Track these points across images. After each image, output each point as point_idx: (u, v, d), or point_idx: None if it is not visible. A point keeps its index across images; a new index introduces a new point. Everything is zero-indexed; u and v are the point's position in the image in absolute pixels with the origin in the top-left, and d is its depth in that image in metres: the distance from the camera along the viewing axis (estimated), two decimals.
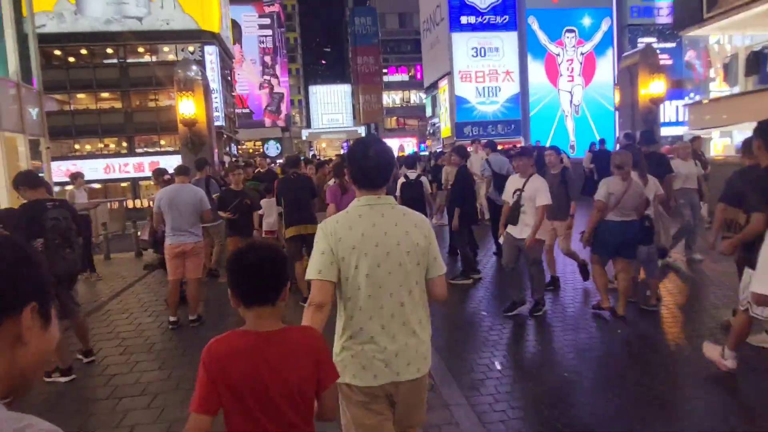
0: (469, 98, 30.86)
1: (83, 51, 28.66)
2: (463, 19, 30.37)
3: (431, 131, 38.66)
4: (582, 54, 31.56)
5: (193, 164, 7.66)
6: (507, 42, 30.76)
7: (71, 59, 28.99)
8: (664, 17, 31.93)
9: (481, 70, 30.68)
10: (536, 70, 31.24)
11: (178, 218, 5.60)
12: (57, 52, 28.83)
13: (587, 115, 31.73)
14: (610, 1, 31.60)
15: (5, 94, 9.93)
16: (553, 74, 31.46)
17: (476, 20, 30.43)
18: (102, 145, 30.34)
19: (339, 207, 5.87)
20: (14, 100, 10.12)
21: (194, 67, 8.49)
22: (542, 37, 31.11)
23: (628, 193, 5.27)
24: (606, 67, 31.79)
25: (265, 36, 47.20)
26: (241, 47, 45.85)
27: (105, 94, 29.52)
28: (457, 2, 30.17)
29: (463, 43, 30.46)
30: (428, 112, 39.75)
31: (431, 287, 2.22)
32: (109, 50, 28.78)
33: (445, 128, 33.32)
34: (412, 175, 7.71)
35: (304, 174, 7.34)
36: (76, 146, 30.24)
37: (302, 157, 15.11)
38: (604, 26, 31.56)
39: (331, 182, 6.98)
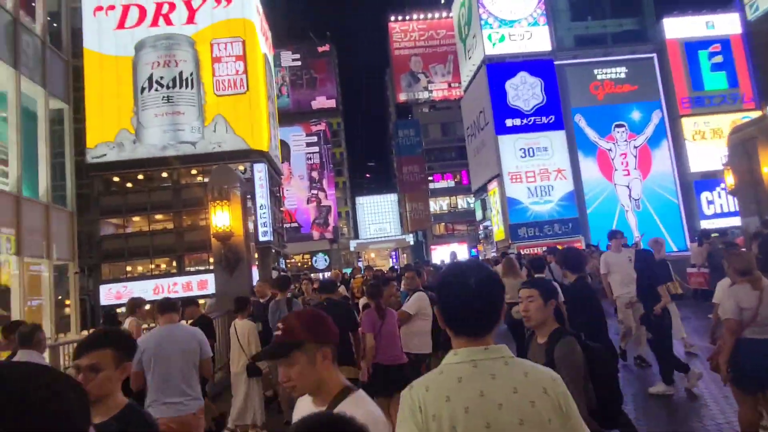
0: (521, 199, 29.81)
1: (140, 176, 29.77)
2: (509, 122, 30.24)
3: (483, 235, 37.37)
4: (635, 147, 30.53)
5: (275, 283, 6.41)
6: (555, 141, 30.19)
7: (129, 185, 30.10)
8: (716, 105, 30.94)
9: (531, 169, 29.91)
10: (589, 166, 30.28)
11: (164, 375, 3.92)
12: (116, 179, 30.06)
13: (649, 209, 29.95)
14: (657, 94, 31.05)
15: (32, 215, 9.37)
16: (607, 169, 30.34)
17: (521, 122, 30.25)
18: (153, 266, 30.42)
19: (378, 339, 5.00)
20: (41, 221, 9.54)
21: (231, 175, 7.66)
22: (591, 133, 30.47)
23: (765, 303, 4.07)
24: (663, 159, 30.52)
25: (312, 153, 48.84)
26: (290, 165, 47.39)
27: (158, 216, 30.13)
28: (500, 106, 30.26)
29: (510, 145, 30.06)
30: (478, 215, 38.80)
31: None
32: (164, 174, 29.79)
33: (499, 231, 32.00)
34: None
35: (340, 300, 6.07)
36: (128, 268, 30.41)
37: (344, 275, 13.88)
38: (655, 119, 30.77)
39: (362, 300, 5.95)
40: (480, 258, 31.07)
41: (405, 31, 51.43)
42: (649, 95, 30.99)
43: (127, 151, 29.16)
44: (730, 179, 13.68)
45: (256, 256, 30.59)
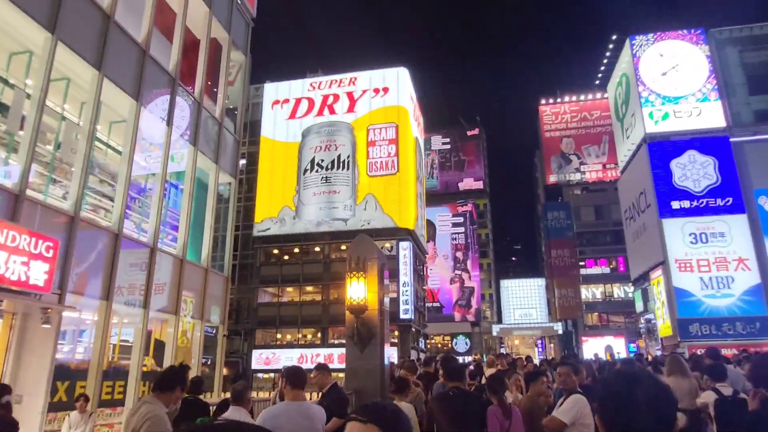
0: (692, 290, 26.20)
1: (296, 250, 32.12)
2: (675, 204, 27.42)
3: (644, 329, 33.30)
4: None
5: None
6: (735, 226, 26.51)
7: (285, 257, 32.58)
8: None
9: (704, 258, 26.38)
10: None
11: None
12: (275, 251, 32.75)
13: None
14: None
15: (194, 278, 10.29)
16: None
17: (691, 204, 27.23)
18: (300, 336, 31.86)
19: None
20: (200, 283, 10.42)
21: (370, 246, 7.63)
22: None
23: None
24: None
25: (458, 233, 48.87)
26: (435, 244, 47.80)
27: (309, 288, 31.89)
28: (665, 187, 27.71)
29: (677, 230, 27.03)
30: (638, 307, 34.82)
31: None
32: (317, 248, 31.78)
33: (664, 326, 28.23)
34: (726, 390, 5.23)
35: (473, 392, 5.15)
36: (279, 335, 32.24)
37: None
38: None
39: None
40: (643, 355, 27.34)
41: (556, 113, 50.80)
42: None
43: (287, 226, 31.83)
44: None
45: (397, 333, 30.61)
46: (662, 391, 1.42)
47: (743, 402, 5.13)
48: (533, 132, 54.81)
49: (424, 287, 38.57)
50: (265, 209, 32.47)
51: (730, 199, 27.00)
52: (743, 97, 30.39)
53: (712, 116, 28.83)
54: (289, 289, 32.79)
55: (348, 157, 32.16)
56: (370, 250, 7.78)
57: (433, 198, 46.06)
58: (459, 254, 48.46)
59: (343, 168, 32.05)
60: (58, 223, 7.29)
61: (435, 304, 46.29)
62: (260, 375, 30.72)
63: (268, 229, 32.14)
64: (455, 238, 48.88)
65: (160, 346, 9.42)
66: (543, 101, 51.34)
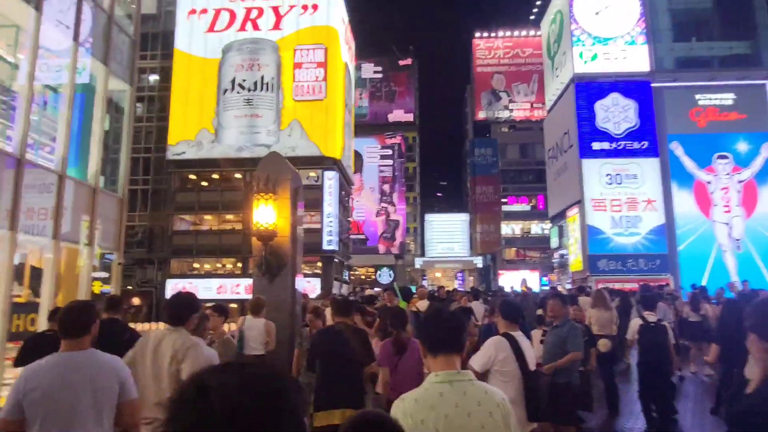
0: (603, 228, 27.53)
1: (215, 176, 30.27)
2: (596, 145, 28.18)
3: (558, 264, 35.07)
4: (740, 182, 27.45)
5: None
6: (647, 168, 27.77)
7: (204, 183, 30.70)
8: None
9: (617, 198, 27.62)
10: (683, 199, 27.52)
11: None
12: (192, 177, 30.76)
13: (752, 251, 26.71)
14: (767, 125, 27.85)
15: (79, 198, 8.91)
16: (704, 204, 27.45)
17: (610, 146, 28.10)
18: (219, 265, 30.72)
19: (394, 374, 4.40)
20: (86, 206, 9.06)
21: (282, 165, 6.68)
22: (689, 163, 27.75)
23: None
24: None
25: (385, 165, 48.35)
26: (362, 176, 47.11)
27: (229, 216, 30.45)
28: (587, 128, 28.30)
29: (595, 170, 27.95)
30: (553, 243, 36.52)
31: None
32: (237, 175, 30.11)
33: (575, 261, 29.76)
34: (652, 317, 6.41)
35: (355, 325, 4.98)
36: (196, 265, 30.91)
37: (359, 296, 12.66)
38: (765, 152, 27.54)
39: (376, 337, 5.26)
40: (553, 288, 28.87)
41: (489, 48, 50.16)
42: (760, 125, 27.84)
43: (205, 150, 29.79)
44: None
45: (320, 265, 30.22)
46: (457, 315, 2.40)
47: (663, 327, 6.42)
48: (466, 66, 54.12)
49: (349, 219, 38.15)
50: (180, 131, 30.07)
51: (646, 142, 28.09)
52: (667, 44, 31.06)
53: (637, 60, 29.35)
54: (208, 217, 31.19)
55: (272, 78, 30.07)
56: (282, 169, 6.85)
57: (361, 128, 44.81)
58: (386, 187, 48.20)
59: (267, 90, 30.03)
60: None
61: (360, 236, 46.25)
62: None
63: (184, 152, 29.94)
64: (383, 171, 48.39)
65: (37, 274, 8.19)
66: (477, 34, 50.41)
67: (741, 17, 30.54)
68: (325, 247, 29.48)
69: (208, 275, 29.91)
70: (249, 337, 6.31)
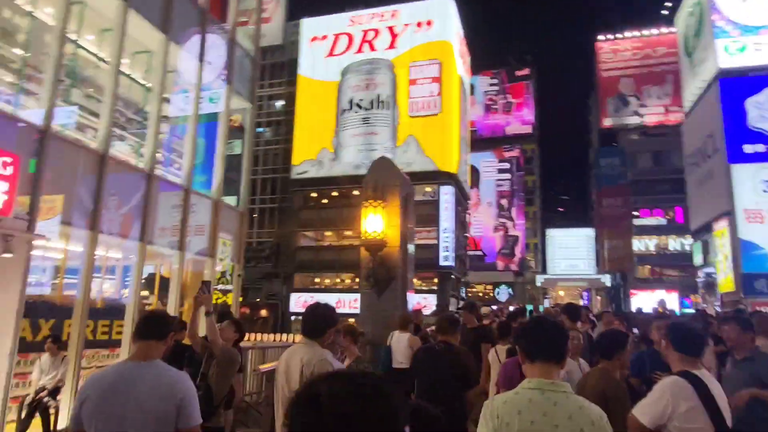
0: (760, 243, 23.98)
1: (334, 193, 31.28)
2: (747, 148, 24.78)
3: (703, 284, 31.20)
4: None
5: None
6: None
7: (324, 200, 31.89)
8: None
9: None
10: None
11: None
12: (313, 194, 32.11)
13: None
14: None
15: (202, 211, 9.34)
16: None
17: (766, 148, 24.52)
18: (338, 280, 31.55)
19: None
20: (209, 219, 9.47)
21: (391, 170, 6.37)
22: None
23: None
24: None
25: (503, 180, 46.91)
26: (479, 191, 46.14)
27: (348, 232, 31.23)
28: (737, 129, 25.01)
29: (748, 176, 24.54)
30: (697, 260, 32.57)
31: None
32: (355, 192, 30.84)
33: (725, 280, 26.18)
34: None
35: (456, 345, 4.58)
36: (317, 280, 32.04)
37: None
38: None
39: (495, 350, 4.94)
40: (697, 310, 25.60)
41: (615, 50, 46.84)
42: None
43: (326, 169, 30.97)
44: None
45: (436, 281, 29.77)
46: (558, 325, 2.37)
47: None
48: (588, 72, 51.15)
49: (465, 234, 37.36)
50: (303, 151, 31.63)
51: None
52: None
53: None
54: (328, 233, 32.30)
55: (388, 96, 30.59)
56: (391, 176, 6.55)
57: (478, 143, 43.95)
58: (504, 201, 46.65)
59: (383, 108, 30.58)
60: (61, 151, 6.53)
61: (477, 253, 45.09)
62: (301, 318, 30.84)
63: (306, 171, 31.41)
64: (500, 185, 46.94)
65: (165, 284, 8.77)
66: (601, 37, 47.33)
67: None
68: (442, 263, 29.02)
69: (328, 290, 30.82)
70: (396, 350, 6.25)
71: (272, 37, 35.33)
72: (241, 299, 28.75)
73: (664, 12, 41.11)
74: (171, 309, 8.39)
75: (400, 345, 6.31)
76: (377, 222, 6.30)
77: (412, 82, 30.26)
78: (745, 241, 24.21)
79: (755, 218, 24.24)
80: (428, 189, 29.92)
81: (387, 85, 30.61)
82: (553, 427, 1.91)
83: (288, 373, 3.29)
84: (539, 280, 49.02)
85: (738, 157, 24.90)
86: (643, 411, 2.86)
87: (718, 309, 24.15)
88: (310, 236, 32.74)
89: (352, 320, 6.45)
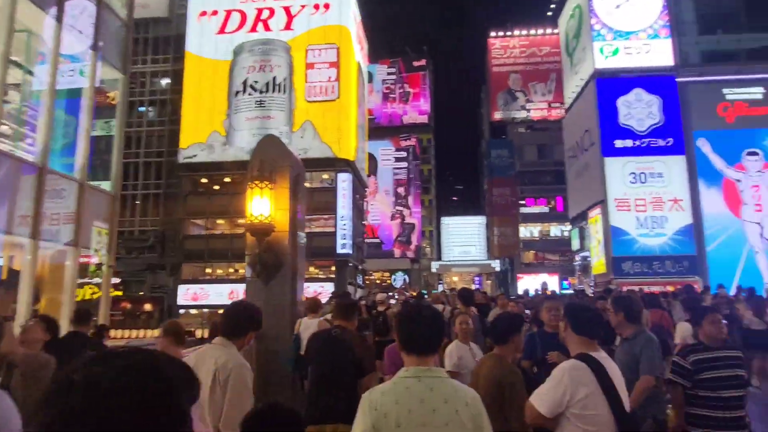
0: (628, 230, 26.40)
1: (226, 179, 29.75)
2: (618, 143, 27.10)
3: (579, 267, 33.90)
4: None
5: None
6: (673, 167, 26.60)
7: (215, 186, 30.22)
8: None
9: (641, 197, 26.48)
10: (711, 198, 26.28)
11: None
12: (203, 180, 30.32)
13: None
14: None
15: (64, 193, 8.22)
16: (734, 203, 26.19)
17: (633, 144, 27.00)
18: (231, 270, 30.17)
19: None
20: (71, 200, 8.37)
21: (280, 149, 5.92)
22: (717, 161, 26.52)
23: None
24: None
25: (400, 168, 47.60)
26: (376, 179, 46.44)
27: (241, 220, 29.84)
28: (609, 126, 27.24)
29: (618, 169, 26.86)
30: (574, 245, 35.35)
31: None
32: None
33: (598, 263, 28.63)
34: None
35: (352, 331, 4.47)
36: (208, 270, 30.41)
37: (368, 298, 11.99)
38: None
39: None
40: (575, 290, 27.81)
41: (505, 47, 49.21)
42: None
43: (217, 153, 29.34)
44: None
45: (333, 269, 29.51)
46: (436, 316, 2.28)
47: None
48: (481, 66, 53.23)
49: (363, 222, 37.43)
50: (191, 134, 29.68)
51: (671, 139, 26.93)
52: (692, 37, 29.89)
53: (660, 54, 28.24)
54: (220, 221, 30.72)
55: (284, 79, 29.55)
56: (280, 155, 6.09)
57: (375, 131, 44.17)
58: (401, 190, 47.44)
59: (279, 91, 29.50)
60: None
61: (375, 240, 45.51)
62: (191, 311, 29.09)
63: (195, 155, 29.54)
64: (397, 174, 47.64)
65: (13, 275, 7.58)
66: (493, 34, 49.50)
67: None
68: (339, 250, 28.79)
69: (221, 280, 29.38)
70: (305, 338, 5.81)
71: (157, 8, 32.69)
72: (119, 293, 26.60)
73: (549, 13, 43.81)
74: (23, 306, 7.25)
75: (309, 332, 5.92)
76: (264, 205, 5.81)
77: (310, 66, 29.49)
78: (615, 228, 26.55)
79: (624, 207, 26.65)
80: (325, 176, 29.47)
81: (283, 68, 29.54)
82: (431, 412, 1.95)
83: None
84: (434, 266, 50.64)
85: (610, 151, 27.16)
86: (540, 399, 2.73)
87: (592, 289, 26.30)
88: (200, 224, 30.94)
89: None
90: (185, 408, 0.78)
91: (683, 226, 26.21)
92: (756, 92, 26.96)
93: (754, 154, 26.34)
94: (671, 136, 26.90)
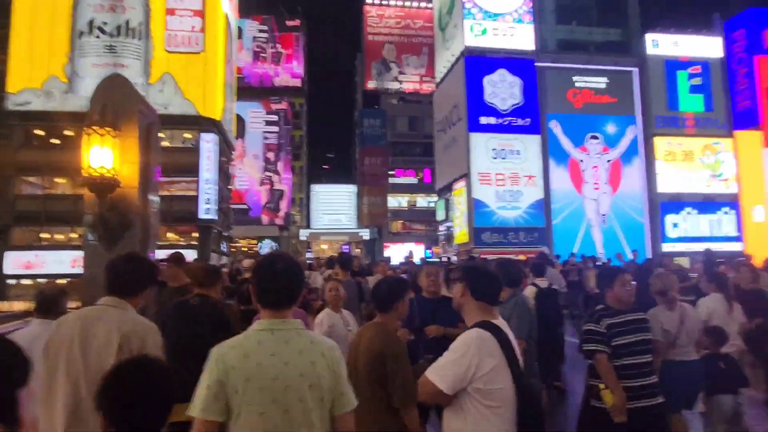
0: (488, 202, 28.11)
1: (68, 132, 26.11)
2: (483, 120, 28.49)
3: (444, 237, 35.58)
4: (608, 161, 29.46)
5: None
6: (529, 145, 28.70)
7: (55, 140, 26.42)
8: (689, 128, 30.27)
9: (501, 172, 28.28)
10: (559, 175, 28.97)
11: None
12: (39, 132, 26.39)
13: (615, 226, 28.92)
14: (633, 109, 30.07)
15: None
16: (577, 181, 29.13)
17: (497, 121, 28.58)
18: (75, 236, 26.85)
19: None
20: None
21: (128, 91, 5.06)
22: (565, 142, 29.16)
23: (685, 326, 4.42)
24: (633, 176, 29.57)
25: (271, 132, 45.77)
26: (244, 142, 44.20)
27: None
28: (476, 102, 28.48)
29: (482, 144, 28.32)
30: (440, 215, 36.96)
31: (338, 426, 1.98)
32: None
33: (461, 233, 30.24)
34: (543, 283, 6.65)
35: (215, 298, 4.07)
36: (45, 235, 26.78)
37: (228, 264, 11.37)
38: (630, 134, 29.79)
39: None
40: (440, 258, 29.25)
41: (381, 16, 49.05)
42: (626, 109, 30.02)
43: (57, 102, 25.59)
44: None
45: (196, 235, 27.62)
46: (293, 267, 2.08)
47: (554, 291, 7.04)
48: (357, 33, 52.61)
49: (229, 187, 35.49)
50: (23, 77, 25.46)
51: (529, 120, 28.97)
52: (551, 25, 32.21)
53: (523, 38, 30.01)
54: (60, 179, 27.01)
55: (140, 24, 26.38)
56: (129, 98, 5.13)
57: (245, 91, 41.70)
58: (270, 155, 45.71)
59: (134, 37, 26.33)
60: None
61: (242, 206, 43.55)
62: (24, 281, 25.49)
63: (29, 102, 25.46)
64: (267, 138, 45.75)
65: None
66: (369, 1, 49.00)
67: (616, 5, 32.47)
68: (202, 216, 26.97)
69: (61, 246, 26.03)
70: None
71: None
72: None
73: None
74: None
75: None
76: (106, 155, 4.85)
77: (170, 11, 26.63)
78: (477, 200, 28.11)
79: (485, 180, 28.26)
80: (188, 135, 27.21)
81: (138, 11, 26.32)
82: (284, 364, 1.89)
83: (87, 353, 2.47)
84: (303, 234, 50.03)
85: (476, 126, 28.49)
86: (440, 374, 2.40)
87: (455, 258, 27.76)
88: (35, 183, 27.00)
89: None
90: (7, 393, 0.60)
91: (535, 200, 28.55)
92: (601, 82, 29.91)
93: (595, 138, 29.37)
94: (529, 116, 28.91)
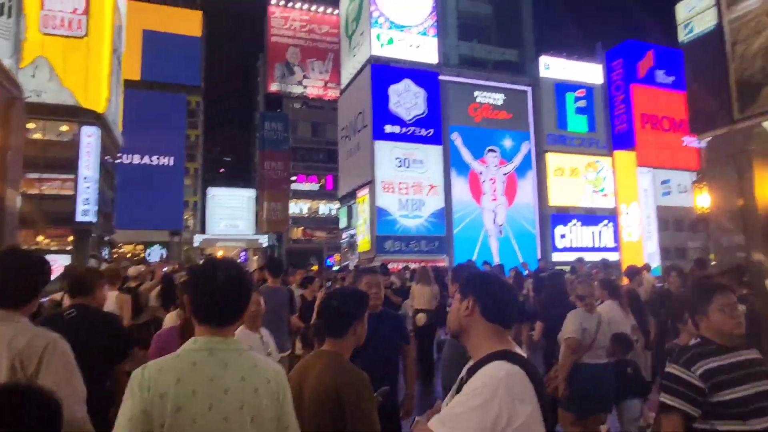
0: (391, 210, 28.15)
1: None
2: (388, 128, 28.57)
3: (346, 244, 35.14)
4: (504, 174, 30.81)
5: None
6: (431, 155, 29.23)
7: None
8: (576, 146, 32.61)
9: (404, 181, 28.48)
10: (460, 186, 29.80)
11: None
12: None
13: (510, 236, 30.30)
14: (527, 126, 31.81)
15: None
16: (476, 192, 30.16)
17: (400, 130, 28.79)
18: None
19: None
20: None
21: None
22: (466, 153, 30.09)
23: (602, 329, 4.67)
24: (526, 189, 31.19)
25: None
26: None
27: None
28: (381, 110, 28.51)
29: (387, 152, 28.36)
30: (342, 223, 36.50)
31: None
32: None
33: (363, 241, 29.98)
34: None
35: (97, 308, 3.55)
36: None
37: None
38: (524, 149, 31.40)
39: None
40: (344, 266, 28.70)
41: (286, 18, 47.92)
42: (521, 126, 31.64)
43: None
44: (703, 200, 12.54)
45: (71, 239, 24.79)
46: (238, 276, 1.75)
47: None
48: (260, 33, 50.94)
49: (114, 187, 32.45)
50: None
51: (432, 130, 29.52)
52: (454, 40, 33.28)
53: (428, 51, 30.62)
54: None
55: (10, 0, 23.32)
56: None
57: (135, 84, 38.59)
58: None
59: (2, 14, 23.18)
60: None
61: None
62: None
63: None
64: None
65: None
66: (273, 1, 47.71)
67: (513, 28, 34.29)
68: (80, 218, 24.31)
69: None
70: None
71: None
72: None
73: None
74: None
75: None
76: None
77: None
78: (380, 208, 28.03)
79: (389, 189, 28.28)
80: (65, 128, 24.44)
81: None
82: (222, 392, 1.60)
83: None
84: (197, 239, 47.19)
85: (380, 135, 28.48)
86: (456, 427, 1.63)
87: (357, 266, 27.42)
88: None
89: None
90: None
91: (437, 209, 29.07)
92: (498, 98, 31.30)
93: (493, 151, 30.61)
94: (432, 127, 29.45)
